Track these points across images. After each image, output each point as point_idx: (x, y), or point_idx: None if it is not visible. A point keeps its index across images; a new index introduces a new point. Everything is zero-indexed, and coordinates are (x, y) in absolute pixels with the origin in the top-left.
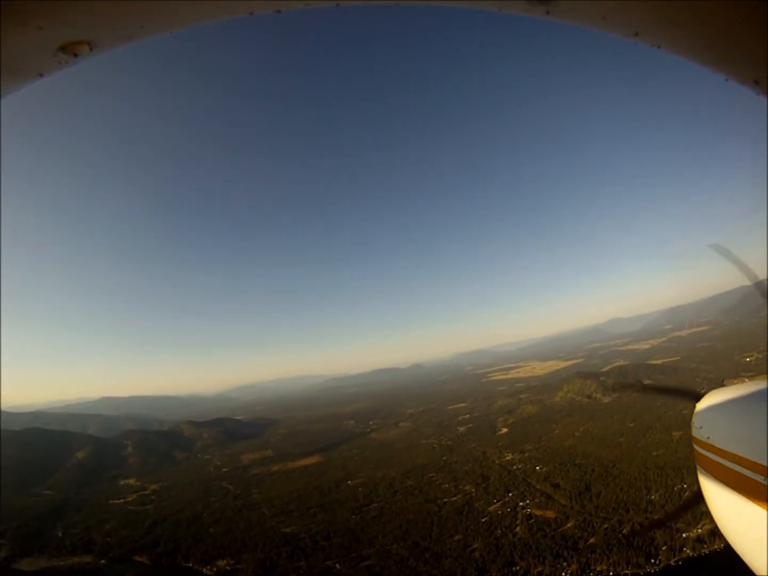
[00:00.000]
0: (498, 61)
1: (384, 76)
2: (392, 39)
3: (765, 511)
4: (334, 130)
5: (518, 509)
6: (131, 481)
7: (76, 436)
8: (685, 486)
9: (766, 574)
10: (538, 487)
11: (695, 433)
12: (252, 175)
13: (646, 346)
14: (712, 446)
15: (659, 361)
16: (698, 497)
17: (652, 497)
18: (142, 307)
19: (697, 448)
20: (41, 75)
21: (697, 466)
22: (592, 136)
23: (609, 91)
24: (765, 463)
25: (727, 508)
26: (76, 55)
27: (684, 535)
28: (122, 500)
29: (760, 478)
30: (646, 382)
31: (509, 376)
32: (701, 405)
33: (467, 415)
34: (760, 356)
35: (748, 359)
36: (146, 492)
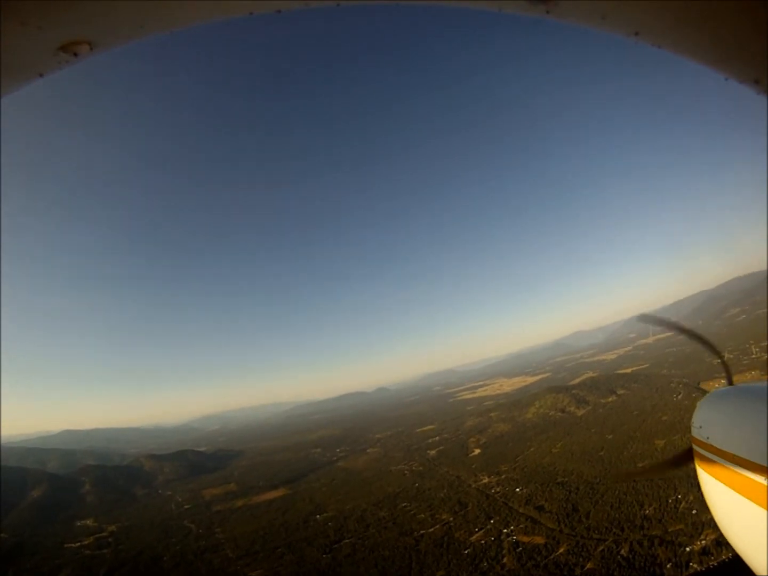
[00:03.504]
0: (497, 61)
1: (384, 75)
2: (392, 39)
3: (765, 511)
4: (329, 130)
5: (503, 537)
6: (89, 522)
7: (31, 472)
8: (679, 497)
9: (766, 574)
10: (521, 511)
11: (695, 433)
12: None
13: (612, 356)
14: (712, 446)
15: (629, 370)
16: (678, 461)
17: (647, 512)
18: (105, 338)
19: (696, 448)
20: (41, 75)
21: (697, 467)
22: (588, 137)
23: (608, 91)
24: (765, 464)
25: (728, 509)
26: (76, 55)
27: (687, 549)
28: (78, 543)
29: (760, 479)
30: (620, 391)
31: (477, 394)
32: (701, 405)
33: (437, 437)
34: (731, 356)
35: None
36: (103, 534)
